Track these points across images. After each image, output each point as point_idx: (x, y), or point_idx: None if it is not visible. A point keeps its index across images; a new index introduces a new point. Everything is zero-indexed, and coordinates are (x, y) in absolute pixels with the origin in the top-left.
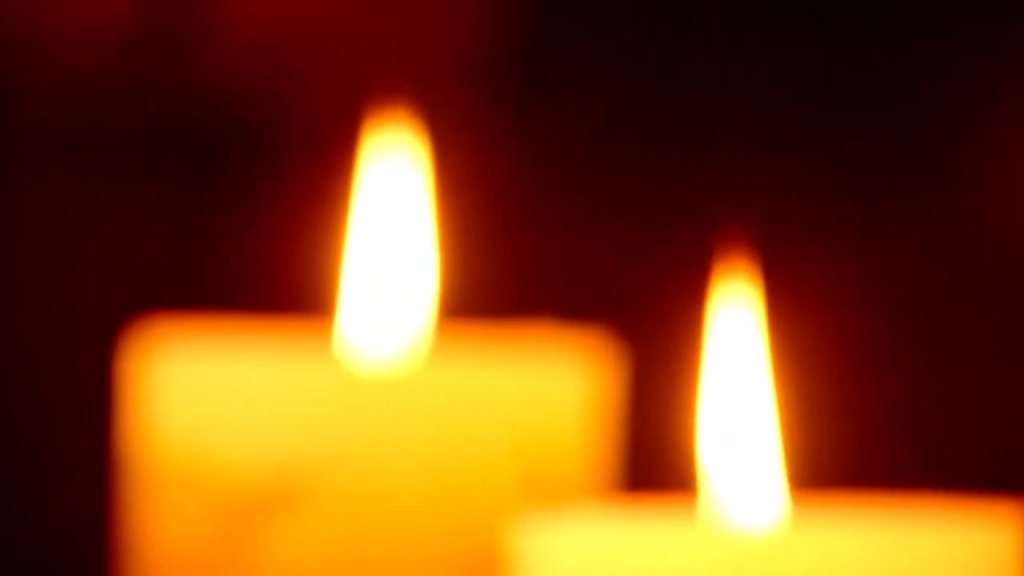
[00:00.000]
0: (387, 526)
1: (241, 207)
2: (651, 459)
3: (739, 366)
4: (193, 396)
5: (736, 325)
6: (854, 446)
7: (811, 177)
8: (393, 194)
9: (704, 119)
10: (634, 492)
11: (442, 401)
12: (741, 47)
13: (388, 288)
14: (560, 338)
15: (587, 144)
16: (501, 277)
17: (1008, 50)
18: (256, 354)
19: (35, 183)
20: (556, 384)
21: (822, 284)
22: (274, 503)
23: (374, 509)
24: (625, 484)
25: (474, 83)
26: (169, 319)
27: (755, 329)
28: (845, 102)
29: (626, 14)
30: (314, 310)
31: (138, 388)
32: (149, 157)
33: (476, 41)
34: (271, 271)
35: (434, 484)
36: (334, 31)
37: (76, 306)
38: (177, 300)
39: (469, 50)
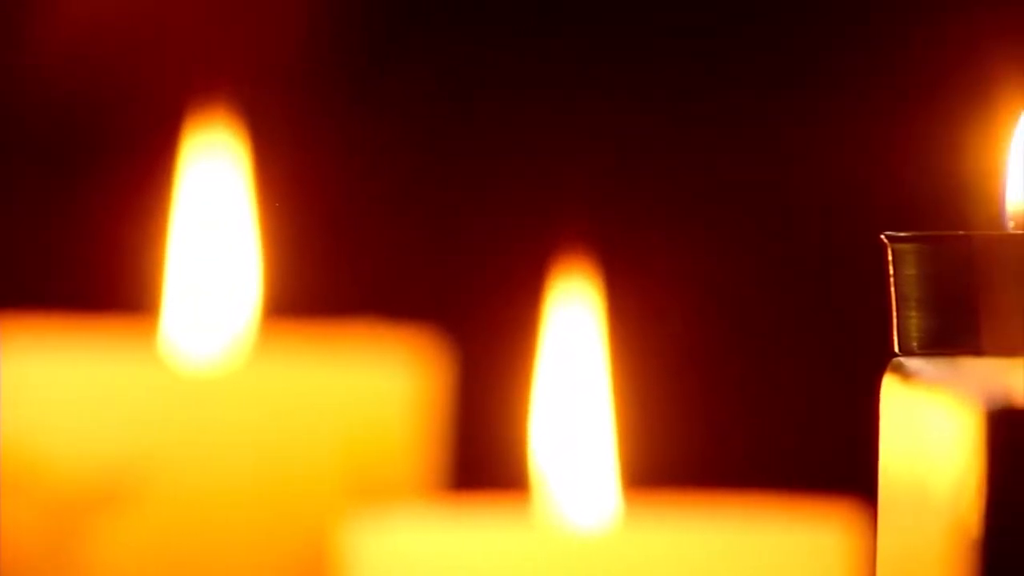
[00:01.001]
0: (216, 525)
1: (65, 207)
2: (483, 458)
3: (574, 365)
4: (20, 396)
5: (572, 324)
6: (689, 446)
7: (647, 177)
8: (215, 195)
9: (537, 118)
10: (465, 491)
11: (268, 400)
12: (573, 49)
13: (211, 288)
14: (387, 338)
15: (416, 142)
16: (327, 277)
17: (840, 52)
18: (82, 354)
19: None
20: (383, 383)
21: (658, 284)
22: (103, 502)
23: (202, 508)
24: (456, 483)
25: (297, 84)
26: None
27: (591, 328)
28: (677, 102)
29: (453, 16)
30: (139, 310)
31: None
32: None
33: (300, 42)
34: (95, 272)
35: (261, 483)
36: (156, 33)
37: None
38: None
39: (292, 51)
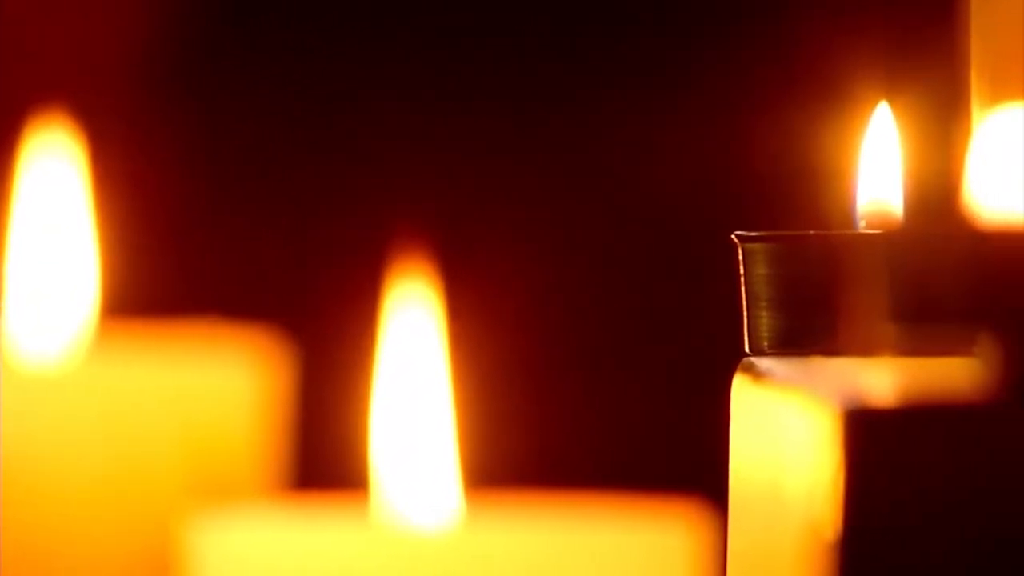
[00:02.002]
0: (57, 524)
1: None
2: (324, 457)
3: (414, 365)
4: None
5: (411, 325)
6: (533, 445)
7: (488, 178)
8: (53, 197)
9: (378, 121)
10: (306, 490)
11: (109, 399)
12: (414, 50)
13: (50, 289)
14: (228, 337)
15: (257, 144)
16: (169, 277)
17: (691, 50)
18: None
19: None
20: (224, 383)
21: (500, 284)
22: None
23: (44, 506)
24: (297, 482)
25: (136, 84)
26: None
27: (430, 329)
28: (521, 103)
29: (293, 18)
30: None
31: None
32: None
33: (139, 42)
34: None
35: (104, 482)
36: None
37: None
38: None
39: (132, 51)
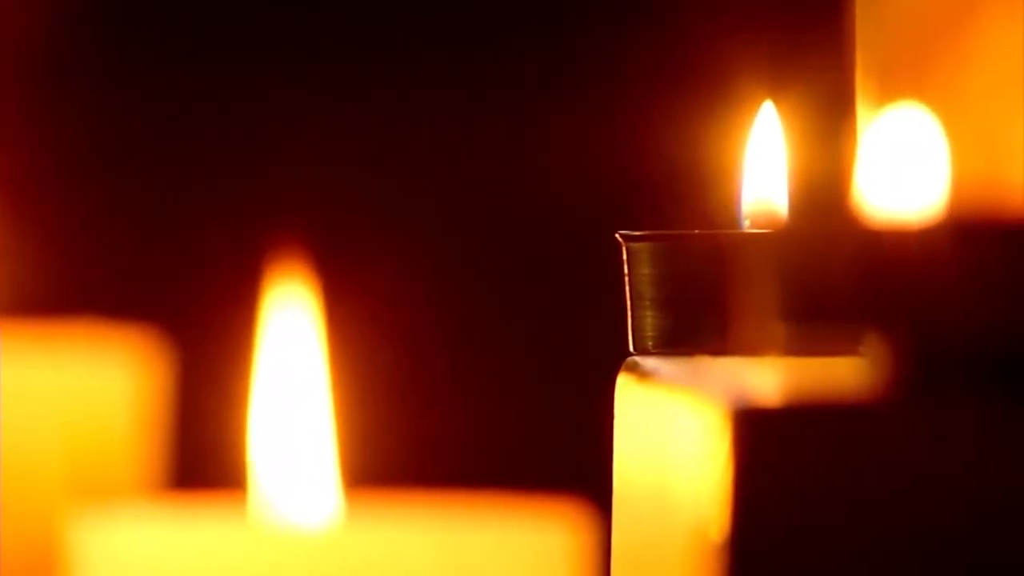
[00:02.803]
0: None
1: None
2: (203, 457)
3: (293, 366)
4: None
5: (290, 325)
6: (412, 446)
7: (367, 182)
8: None
9: (258, 124)
10: (185, 490)
11: None
12: (290, 51)
13: None
14: (107, 337)
15: (136, 144)
16: (47, 277)
17: (578, 51)
18: None
19: None
20: (103, 383)
21: (378, 286)
22: None
23: None
24: (176, 481)
25: (6, 83)
26: None
27: (309, 329)
28: (400, 106)
29: (171, 21)
30: None
31: None
32: None
33: (10, 43)
34: None
35: None
36: None
37: None
38: None
39: (3, 52)
